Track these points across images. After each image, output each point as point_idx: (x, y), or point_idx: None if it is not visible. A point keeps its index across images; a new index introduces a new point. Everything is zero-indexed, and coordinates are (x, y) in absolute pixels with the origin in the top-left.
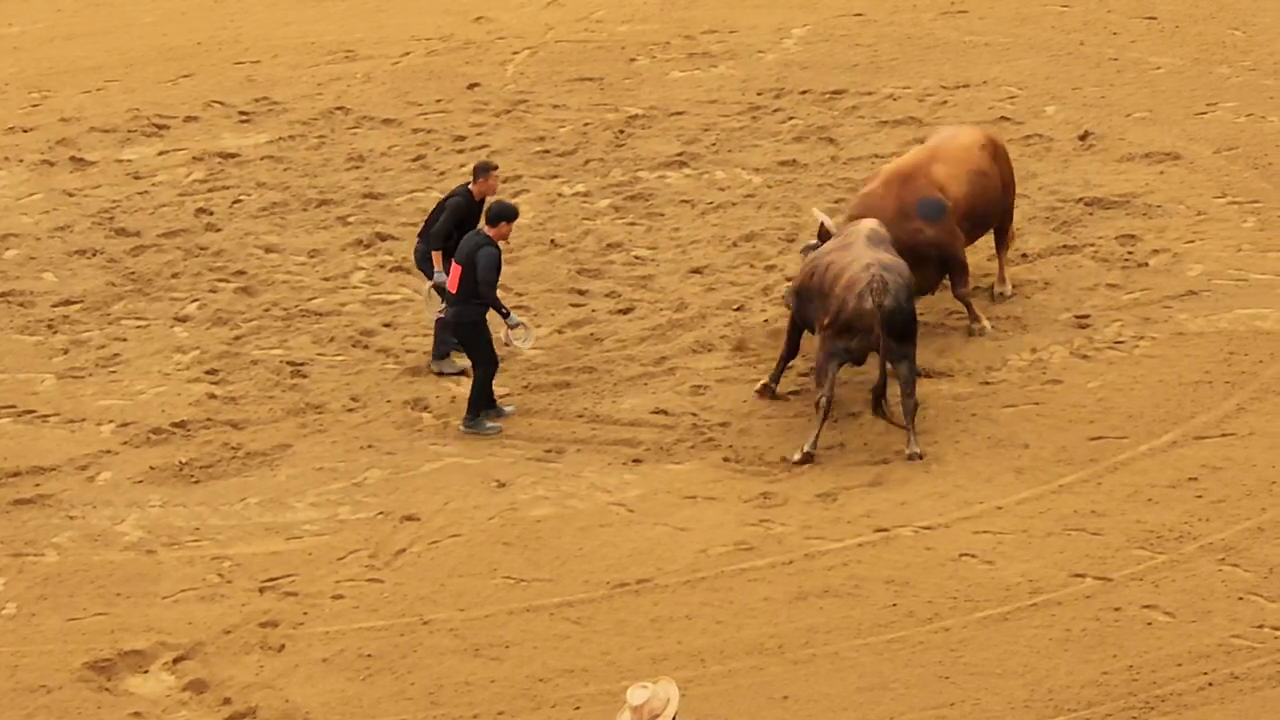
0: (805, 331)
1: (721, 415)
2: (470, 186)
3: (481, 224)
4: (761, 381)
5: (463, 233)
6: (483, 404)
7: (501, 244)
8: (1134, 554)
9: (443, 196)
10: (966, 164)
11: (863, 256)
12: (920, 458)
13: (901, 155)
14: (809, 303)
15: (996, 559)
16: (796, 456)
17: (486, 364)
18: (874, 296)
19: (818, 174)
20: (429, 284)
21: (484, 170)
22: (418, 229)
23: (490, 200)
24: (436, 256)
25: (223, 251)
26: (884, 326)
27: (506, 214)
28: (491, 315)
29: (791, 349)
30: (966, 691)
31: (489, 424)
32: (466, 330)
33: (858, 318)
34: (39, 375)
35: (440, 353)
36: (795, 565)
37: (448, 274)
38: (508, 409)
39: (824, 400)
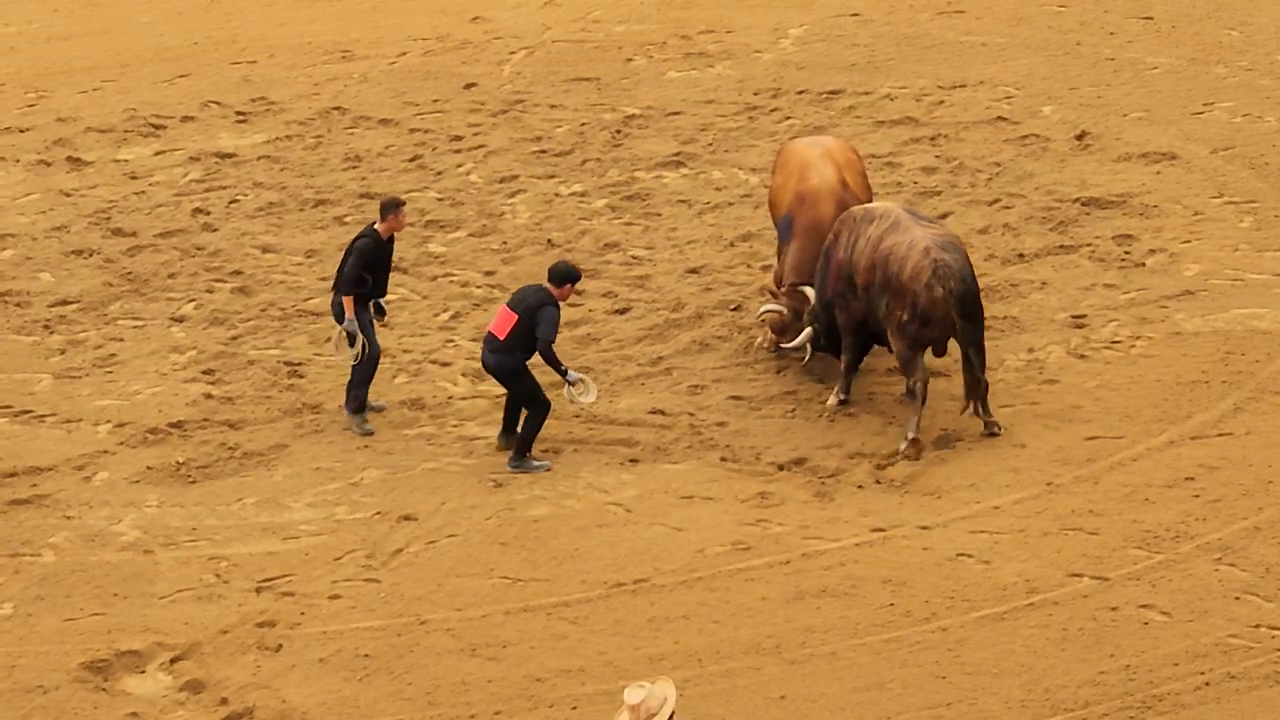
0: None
1: (719, 415)
2: (377, 226)
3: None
4: (836, 399)
5: (374, 275)
6: (530, 444)
7: (564, 299)
8: (1131, 554)
9: (350, 240)
10: (858, 168)
11: (919, 240)
12: (998, 433)
13: (799, 174)
14: (877, 298)
15: (993, 559)
16: (903, 446)
17: (539, 406)
18: (942, 283)
19: None
20: (338, 330)
21: (392, 207)
22: (414, 229)
23: (397, 235)
24: (348, 302)
25: (219, 251)
26: (957, 310)
27: (573, 276)
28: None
29: (858, 354)
30: (963, 691)
31: (535, 462)
32: (511, 378)
33: (932, 306)
34: (36, 375)
35: (356, 407)
36: (792, 565)
37: (360, 318)
38: (378, 404)
39: (919, 386)
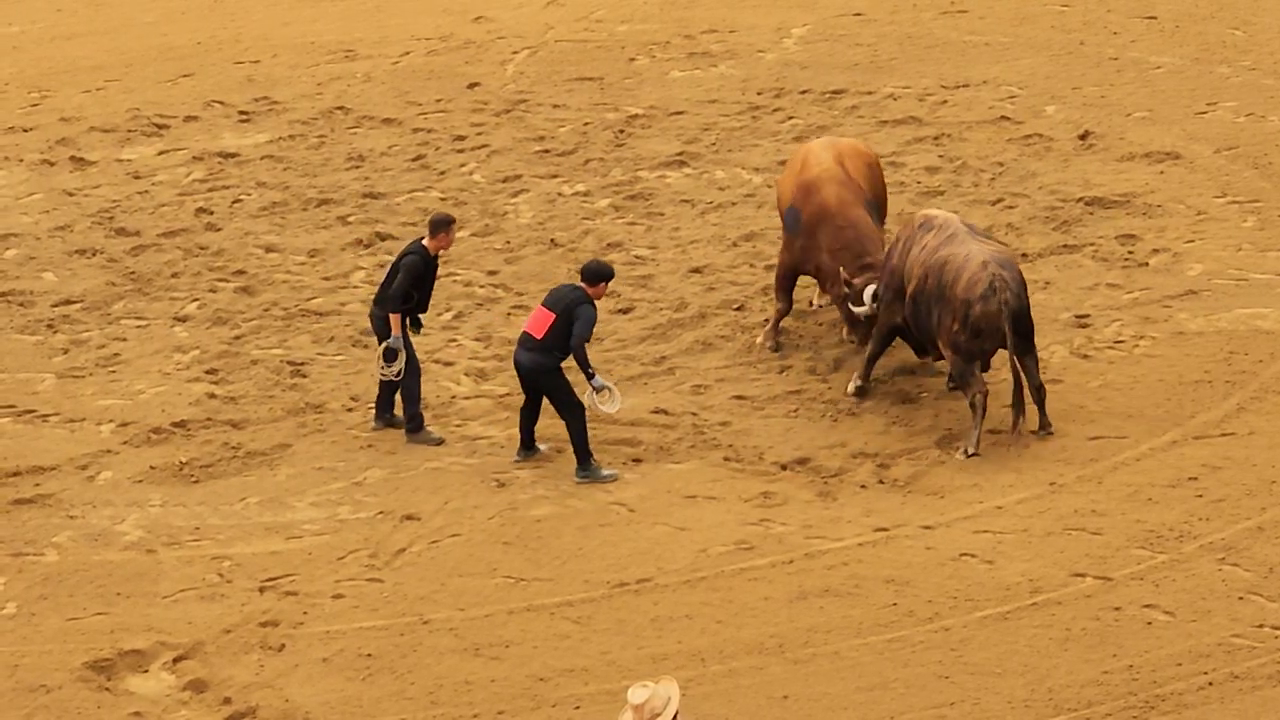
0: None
1: (722, 415)
2: (425, 242)
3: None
4: (854, 384)
5: (420, 291)
6: (588, 450)
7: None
8: (1134, 553)
9: (396, 255)
10: (866, 158)
11: (975, 254)
12: (1052, 432)
13: (807, 165)
14: (928, 307)
15: (997, 558)
16: (960, 456)
17: (575, 410)
18: (997, 296)
19: None
20: (382, 346)
21: (443, 225)
22: (418, 229)
23: (443, 253)
24: (394, 319)
25: (223, 251)
26: (1010, 324)
27: (606, 274)
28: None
29: (882, 348)
30: (967, 691)
31: (604, 471)
32: (545, 378)
33: (985, 319)
34: (39, 375)
35: (414, 425)
36: (795, 565)
37: (404, 335)
38: (435, 436)
39: (979, 399)
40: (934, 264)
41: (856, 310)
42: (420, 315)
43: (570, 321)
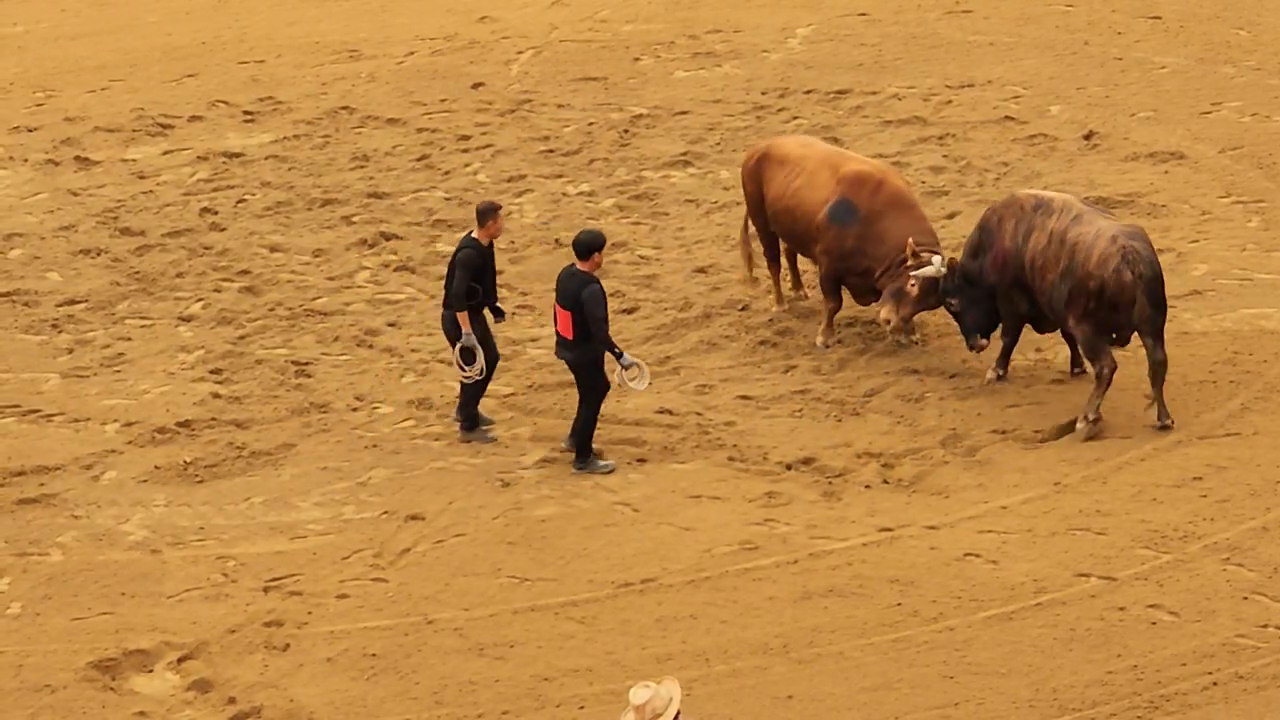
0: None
1: (726, 415)
2: (475, 233)
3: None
4: (995, 375)
5: (481, 283)
6: (590, 445)
7: (598, 272)
8: (1138, 553)
9: (452, 254)
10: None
11: (1105, 229)
12: (1170, 427)
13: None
14: (1058, 288)
15: (1001, 558)
16: (1080, 425)
17: (593, 404)
18: (1131, 268)
19: None
20: (458, 345)
21: (490, 212)
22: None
23: (496, 238)
24: (463, 317)
25: (227, 251)
26: (1146, 295)
27: (597, 243)
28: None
29: (1014, 339)
30: (971, 691)
31: (601, 462)
32: (589, 370)
33: (1120, 292)
34: (43, 375)
35: (469, 424)
36: (800, 565)
37: (475, 330)
38: (488, 420)
39: (1106, 371)
40: (1065, 248)
41: (923, 273)
42: (497, 305)
43: (582, 308)
